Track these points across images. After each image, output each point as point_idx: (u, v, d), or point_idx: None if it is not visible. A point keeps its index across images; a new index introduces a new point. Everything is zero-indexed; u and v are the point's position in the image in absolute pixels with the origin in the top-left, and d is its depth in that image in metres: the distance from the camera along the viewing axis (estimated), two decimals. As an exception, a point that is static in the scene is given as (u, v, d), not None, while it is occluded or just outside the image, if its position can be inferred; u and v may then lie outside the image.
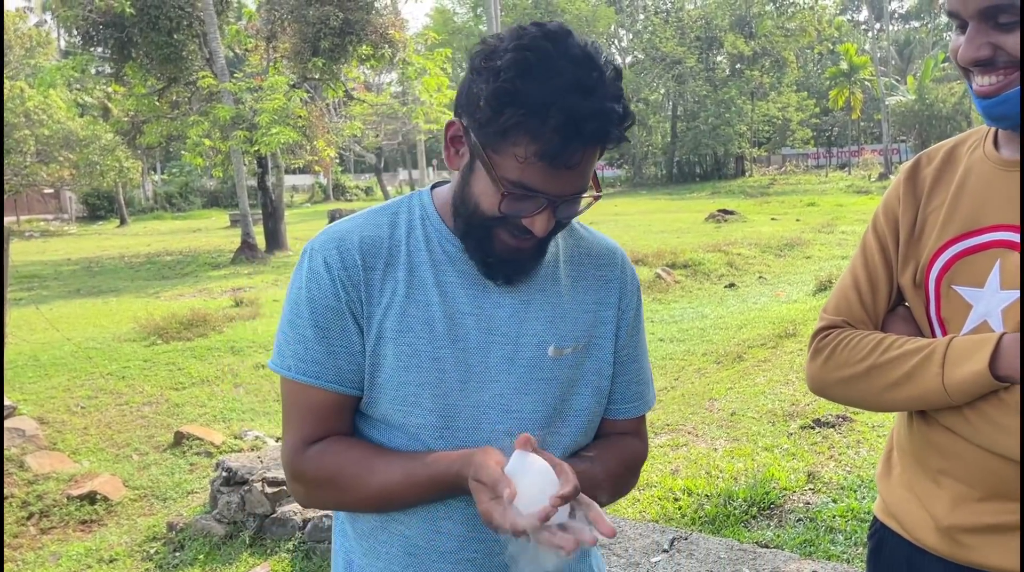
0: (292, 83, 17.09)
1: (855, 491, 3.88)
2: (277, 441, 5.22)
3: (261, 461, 4.17)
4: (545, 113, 1.02)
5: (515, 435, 1.06)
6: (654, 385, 1.39)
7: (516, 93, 1.03)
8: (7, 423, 5.05)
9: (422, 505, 1.17)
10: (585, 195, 1.14)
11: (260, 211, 19.23)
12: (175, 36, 17.22)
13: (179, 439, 5.39)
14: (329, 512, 2.90)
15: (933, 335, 1.26)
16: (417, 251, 1.19)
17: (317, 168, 29.52)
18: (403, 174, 59.16)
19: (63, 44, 36.22)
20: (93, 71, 27.51)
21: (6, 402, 5.29)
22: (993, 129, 1.24)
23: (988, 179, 1.21)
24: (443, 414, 1.15)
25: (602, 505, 1.09)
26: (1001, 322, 1.16)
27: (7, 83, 29.00)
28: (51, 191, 41.24)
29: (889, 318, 1.32)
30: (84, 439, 5.54)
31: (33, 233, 30.61)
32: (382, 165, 42.25)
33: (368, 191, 52.94)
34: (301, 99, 16.53)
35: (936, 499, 1.24)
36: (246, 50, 21.36)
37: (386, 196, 38.43)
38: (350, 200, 49.58)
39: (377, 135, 24.78)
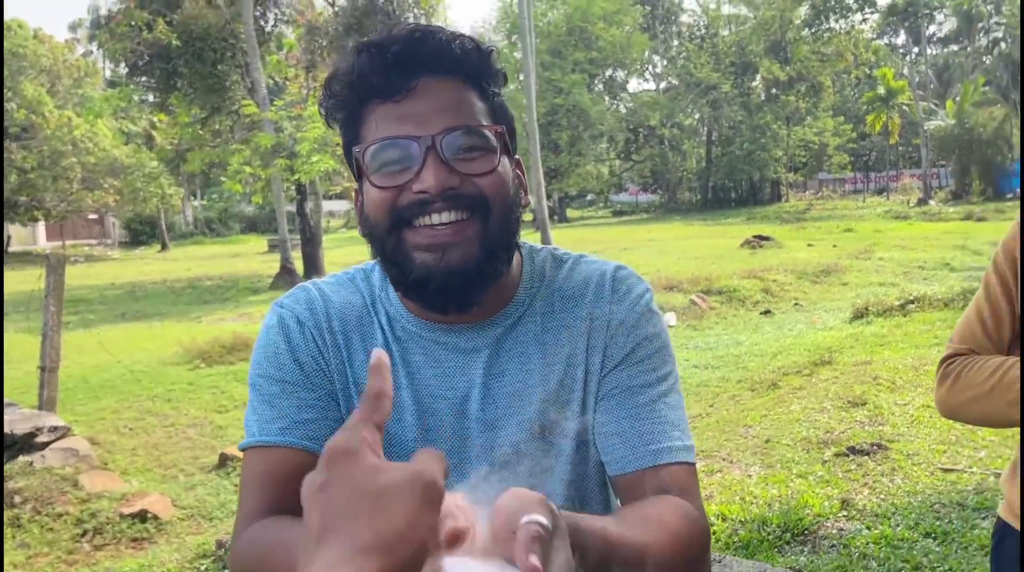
0: (331, 112, 17.43)
1: (889, 518, 3.90)
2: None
3: (305, 482, 4.30)
4: (356, 55, 0.98)
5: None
6: (687, 428, 1.06)
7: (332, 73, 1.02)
8: (62, 443, 5.24)
9: None
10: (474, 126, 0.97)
11: (298, 237, 19.59)
12: (219, 67, 17.75)
13: (223, 461, 5.55)
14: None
15: None
16: (381, 328, 1.07)
17: (354, 194, 30.01)
18: (438, 199, 59.63)
19: (109, 74, 37.25)
20: (139, 101, 28.35)
21: (60, 423, 5.49)
22: None
23: None
24: None
25: None
26: None
27: (56, 112, 29.93)
28: (95, 217, 42.30)
29: (1013, 348, 1.44)
30: (133, 460, 5.72)
31: (78, 258, 31.37)
32: (417, 191, 42.61)
33: (403, 216, 53.39)
34: (340, 127, 16.85)
35: None
36: (286, 79, 21.89)
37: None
38: (386, 225, 50.06)
39: (413, 161, 25.45)
